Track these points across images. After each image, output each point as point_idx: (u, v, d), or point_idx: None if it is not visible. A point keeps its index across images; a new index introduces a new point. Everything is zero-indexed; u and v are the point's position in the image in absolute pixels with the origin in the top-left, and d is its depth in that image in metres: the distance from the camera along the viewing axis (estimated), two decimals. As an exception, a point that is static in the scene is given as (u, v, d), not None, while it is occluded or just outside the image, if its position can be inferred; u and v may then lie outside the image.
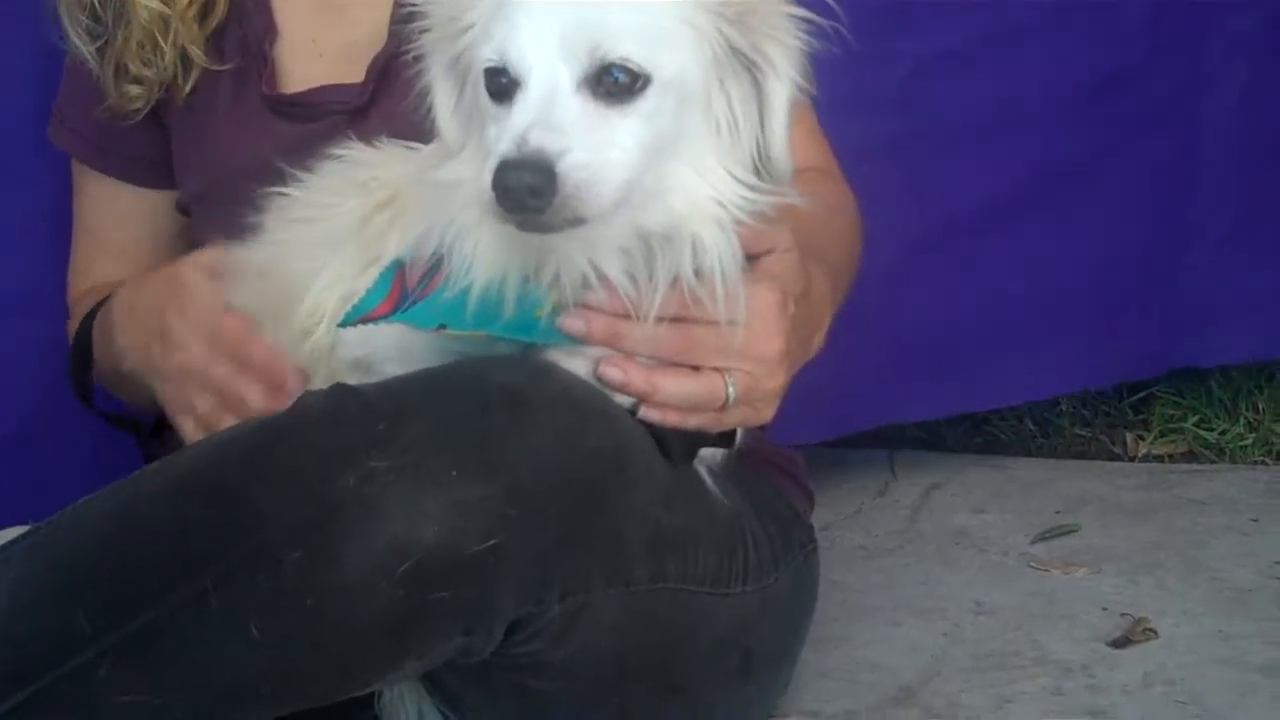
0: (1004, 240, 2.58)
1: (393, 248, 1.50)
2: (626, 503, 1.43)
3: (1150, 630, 2.07)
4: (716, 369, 1.45)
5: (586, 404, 1.42)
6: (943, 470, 2.76)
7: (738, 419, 1.50)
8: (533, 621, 1.40)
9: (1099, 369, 2.73)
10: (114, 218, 2.03)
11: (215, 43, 1.88)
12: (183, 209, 1.96)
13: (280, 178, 1.62)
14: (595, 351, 1.44)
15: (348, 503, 1.29)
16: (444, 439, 1.33)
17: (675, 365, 1.45)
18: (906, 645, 2.08)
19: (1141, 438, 2.83)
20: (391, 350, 1.50)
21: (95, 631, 1.29)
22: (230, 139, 1.86)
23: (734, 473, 1.62)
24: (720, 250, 1.41)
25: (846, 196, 1.84)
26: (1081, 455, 2.84)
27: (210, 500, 1.33)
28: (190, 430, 1.64)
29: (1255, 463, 2.75)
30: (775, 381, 1.48)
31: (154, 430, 1.87)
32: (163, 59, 1.86)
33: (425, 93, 1.49)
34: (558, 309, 1.42)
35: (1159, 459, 2.79)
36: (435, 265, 1.44)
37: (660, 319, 1.41)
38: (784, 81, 1.42)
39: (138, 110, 1.90)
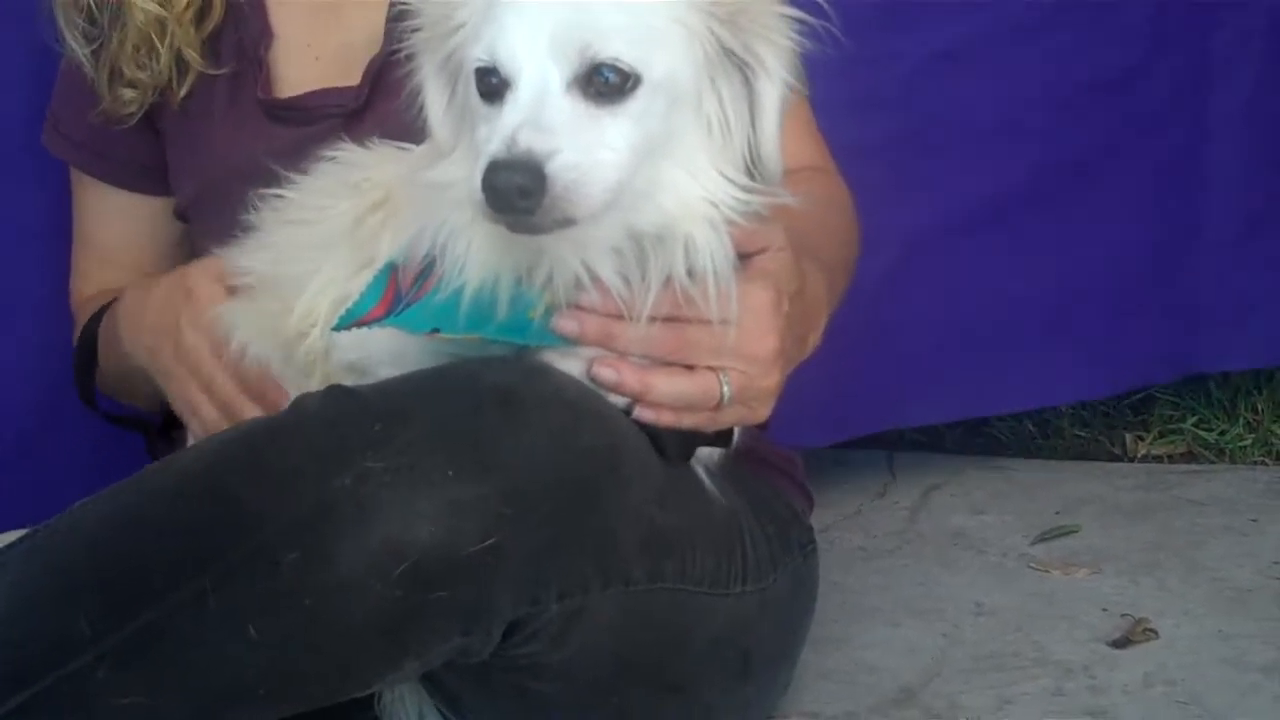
0: (1005, 243, 2.56)
1: (386, 249, 1.50)
2: (620, 502, 1.43)
3: (1150, 631, 2.07)
4: (711, 368, 1.45)
5: (580, 404, 1.42)
6: (942, 471, 2.76)
7: (733, 418, 1.50)
8: (531, 622, 1.40)
9: (1103, 376, 2.70)
10: (112, 223, 2.03)
11: (211, 46, 1.88)
12: (179, 214, 1.97)
13: (275, 181, 1.62)
14: (589, 352, 1.44)
15: (344, 503, 1.29)
16: (439, 439, 1.33)
17: (669, 365, 1.44)
18: (906, 646, 2.08)
19: (1141, 438, 2.83)
20: (385, 354, 1.50)
21: (94, 634, 1.29)
22: (225, 143, 1.86)
23: (732, 473, 1.62)
24: (712, 249, 1.41)
25: (843, 194, 1.83)
26: (1081, 456, 2.83)
27: (207, 502, 1.33)
28: (196, 429, 1.66)
29: (1254, 463, 2.74)
30: (770, 380, 1.48)
31: (162, 429, 1.87)
32: (158, 62, 1.86)
33: (417, 93, 1.49)
34: (551, 310, 1.42)
35: (1158, 460, 2.79)
36: (429, 267, 1.44)
37: (653, 319, 1.41)
38: (775, 81, 1.42)
39: (131, 114, 1.90)
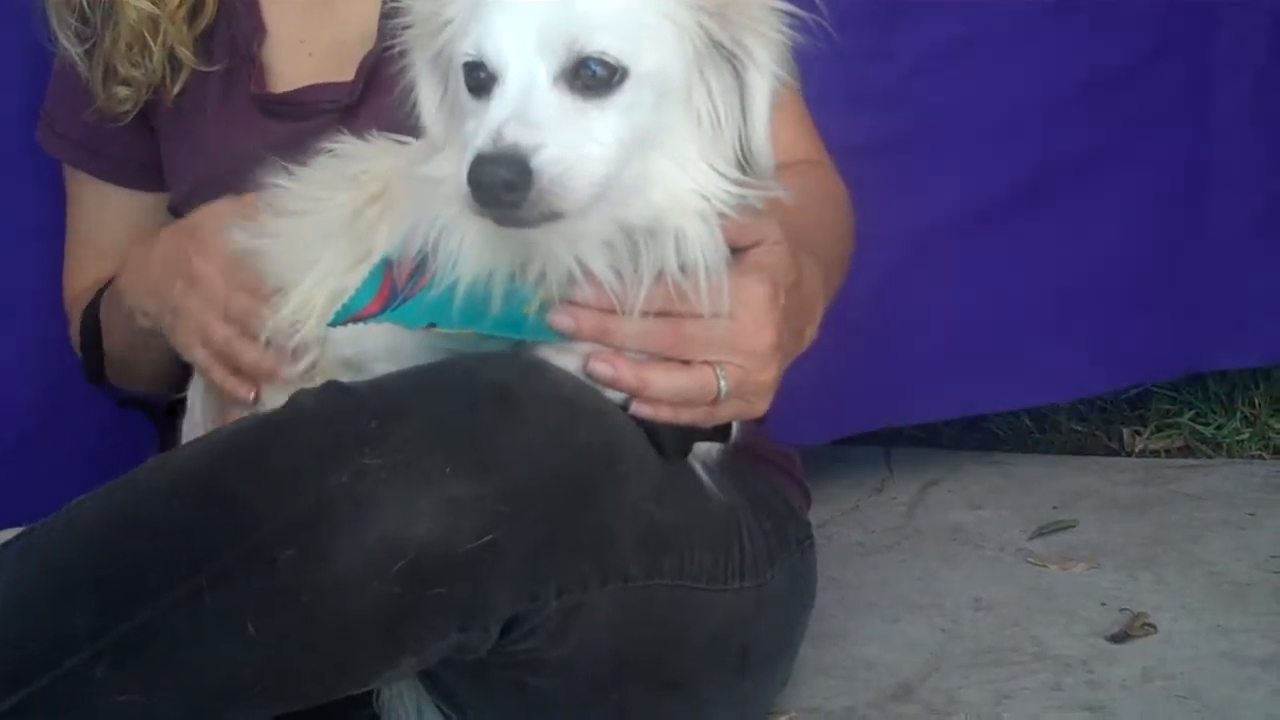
0: (1006, 241, 2.56)
1: (383, 241, 1.50)
2: (618, 499, 1.42)
3: (1149, 625, 2.07)
4: (708, 363, 1.44)
5: (577, 400, 1.41)
6: (940, 466, 2.76)
7: (731, 413, 1.50)
8: (529, 619, 1.39)
9: (1104, 374, 2.70)
10: (105, 220, 2.02)
11: (204, 44, 1.88)
12: (174, 210, 1.96)
13: (271, 176, 1.61)
14: (585, 348, 1.43)
15: (340, 500, 1.28)
16: (436, 436, 1.32)
17: (666, 360, 1.44)
18: (905, 642, 2.08)
19: (1138, 433, 2.83)
20: (381, 350, 1.49)
21: (91, 632, 1.29)
22: (219, 139, 1.85)
23: (730, 469, 1.62)
24: (703, 243, 1.41)
25: (838, 188, 1.83)
26: (1078, 451, 2.84)
27: (204, 500, 1.33)
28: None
29: (1252, 457, 2.75)
30: (768, 374, 1.47)
31: (169, 410, 1.87)
32: (151, 60, 1.86)
33: (411, 89, 1.49)
34: (546, 305, 1.42)
35: (1156, 454, 2.80)
36: (424, 263, 1.44)
37: (646, 313, 1.41)
38: (765, 75, 1.41)
39: (126, 112, 1.90)
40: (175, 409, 1.84)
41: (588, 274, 1.41)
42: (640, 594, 1.46)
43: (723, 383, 1.44)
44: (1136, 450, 2.81)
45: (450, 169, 1.41)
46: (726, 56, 1.41)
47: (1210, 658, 1.97)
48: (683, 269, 1.41)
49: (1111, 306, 2.64)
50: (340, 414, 1.33)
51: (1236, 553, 2.30)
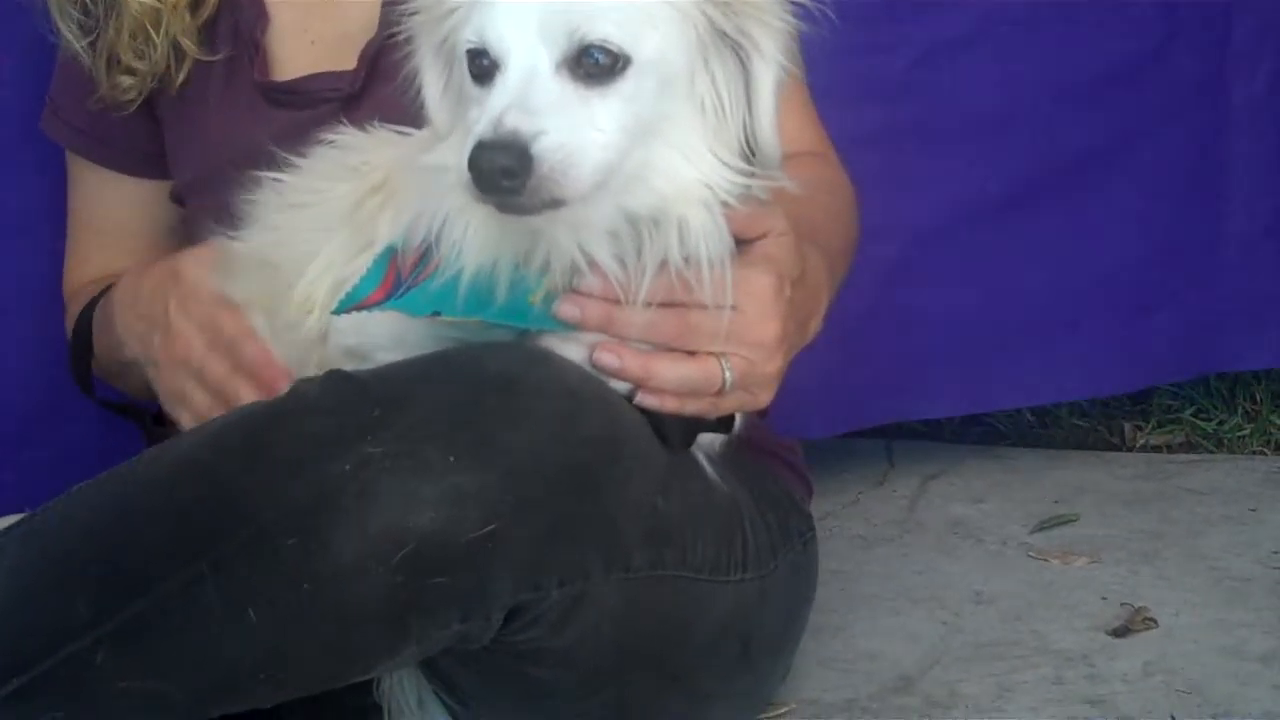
0: (1014, 237, 2.53)
1: (385, 231, 1.50)
2: (622, 489, 1.42)
3: (1150, 620, 2.07)
4: (713, 353, 1.44)
5: (581, 390, 1.41)
6: (941, 460, 2.76)
7: (735, 404, 1.49)
8: (531, 609, 1.39)
9: (1114, 374, 2.66)
10: (109, 209, 2.02)
11: (207, 33, 1.88)
12: (176, 199, 1.96)
13: (273, 165, 1.61)
14: (590, 337, 1.43)
15: (343, 489, 1.28)
16: (439, 425, 1.32)
17: (671, 350, 1.44)
18: (906, 634, 2.08)
19: (1140, 428, 2.83)
20: (385, 338, 1.49)
21: (92, 618, 1.28)
22: (222, 128, 1.85)
23: (733, 460, 1.61)
24: (707, 232, 1.40)
25: (842, 180, 1.83)
26: (1080, 445, 2.84)
27: (205, 487, 1.32)
28: (186, 421, 1.64)
29: (1253, 453, 2.75)
30: (772, 366, 1.47)
31: (157, 419, 1.87)
32: (154, 50, 1.86)
33: (414, 77, 1.49)
34: (551, 295, 1.42)
35: (1157, 449, 2.80)
36: (428, 252, 1.44)
37: (651, 304, 1.41)
38: (769, 64, 1.41)
39: (130, 101, 1.89)
40: (161, 418, 1.83)
41: (592, 263, 1.40)
42: (643, 585, 1.46)
43: (727, 374, 1.44)
44: (1138, 445, 2.80)
45: (454, 157, 1.40)
46: (731, 45, 1.41)
47: (1211, 653, 1.97)
48: (687, 259, 1.40)
49: (1123, 304, 2.61)
50: (343, 402, 1.33)
51: (1238, 548, 2.30)
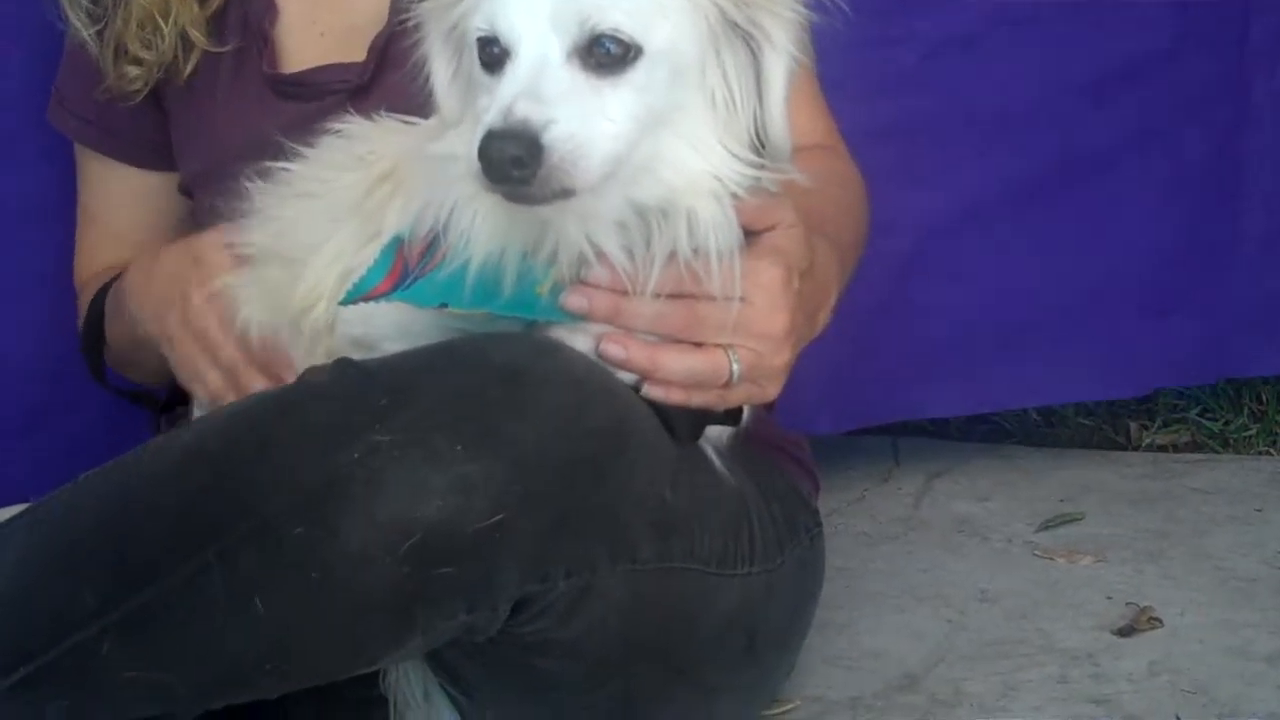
0: (1025, 235, 2.50)
1: (393, 221, 1.50)
2: (628, 481, 1.42)
3: (1155, 619, 2.06)
4: (720, 345, 1.44)
5: (589, 382, 1.41)
6: (946, 458, 2.75)
7: (742, 396, 1.49)
8: (538, 600, 1.39)
9: (1126, 376, 2.62)
10: (117, 200, 2.02)
11: (215, 24, 1.88)
12: (184, 190, 1.96)
13: (280, 156, 1.61)
14: (597, 328, 1.43)
15: (350, 478, 1.28)
16: (447, 415, 1.32)
17: (678, 342, 1.43)
18: (910, 632, 2.08)
19: (1145, 427, 2.82)
20: (391, 328, 1.49)
21: (98, 607, 1.28)
22: (230, 119, 1.85)
23: (740, 454, 1.61)
24: (716, 224, 1.40)
25: (852, 173, 1.82)
26: (1085, 444, 2.83)
27: (212, 476, 1.32)
28: (201, 395, 1.65)
29: (1259, 453, 2.75)
30: (780, 358, 1.47)
31: (167, 405, 1.87)
32: (162, 40, 1.86)
33: (423, 65, 1.48)
34: (559, 286, 1.41)
35: (1163, 448, 2.79)
36: (436, 242, 1.43)
37: (659, 295, 1.40)
38: (781, 55, 1.41)
39: (137, 91, 1.89)
40: (173, 403, 1.83)
41: (600, 254, 1.40)
42: (649, 577, 1.46)
43: (735, 366, 1.44)
44: (1144, 444, 2.80)
45: (462, 146, 1.40)
46: (742, 36, 1.40)
47: (1216, 652, 1.97)
48: (696, 251, 1.40)
49: (1136, 306, 2.58)
50: (351, 391, 1.33)
51: (1243, 548, 2.30)
